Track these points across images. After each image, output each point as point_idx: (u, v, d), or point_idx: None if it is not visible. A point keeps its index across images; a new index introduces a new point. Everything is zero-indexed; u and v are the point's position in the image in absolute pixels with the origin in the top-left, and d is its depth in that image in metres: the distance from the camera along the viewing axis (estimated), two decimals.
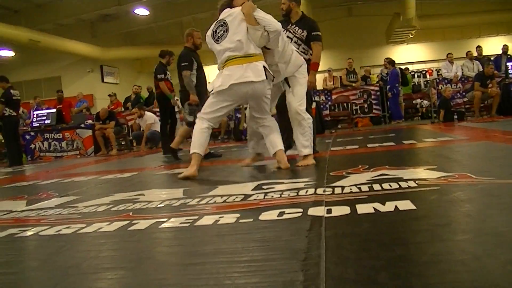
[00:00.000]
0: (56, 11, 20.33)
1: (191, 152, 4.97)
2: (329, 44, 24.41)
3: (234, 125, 14.60)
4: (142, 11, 21.71)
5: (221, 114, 5.10)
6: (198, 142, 4.97)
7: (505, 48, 15.29)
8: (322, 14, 22.87)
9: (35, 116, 15.01)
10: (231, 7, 5.08)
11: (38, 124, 14.79)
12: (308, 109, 5.76)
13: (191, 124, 7.47)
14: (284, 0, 6.13)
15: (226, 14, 5.02)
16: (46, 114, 14.95)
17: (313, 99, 14.27)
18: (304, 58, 5.90)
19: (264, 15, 4.87)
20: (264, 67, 4.81)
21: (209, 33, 5.10)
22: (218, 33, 4.97)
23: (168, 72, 10.22)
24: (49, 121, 14.69)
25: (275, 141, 5.08)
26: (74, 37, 20.97)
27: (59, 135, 14.29)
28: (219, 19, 5.07)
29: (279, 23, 4.94)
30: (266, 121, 5.14)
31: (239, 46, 4.83)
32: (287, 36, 5.87)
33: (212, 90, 4.92)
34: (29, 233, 2.86)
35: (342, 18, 25.19)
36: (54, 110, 15.18)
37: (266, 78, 4.80)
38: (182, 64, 7.81)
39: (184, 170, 4.99)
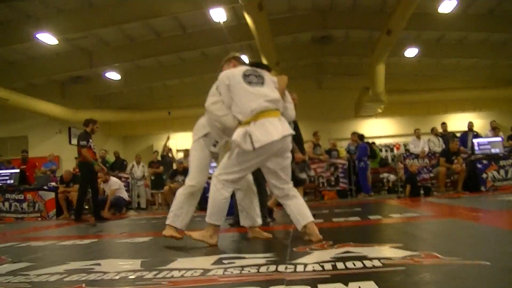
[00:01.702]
0: (28, 70, 20.33)
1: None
2: (297, 116, 24.56)
3: None
4: (113, 75, 21.89)
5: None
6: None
7: (470, 125, 15.63)
8: (291, 85, 22.69)
9: None
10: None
11: (0, 184, 14.46)
12: None
13: (303, 182, 7.79)
14: None
15: (257, 70, 4.85)
16: (9, 174, 14.66)
17: None
18: None
19: (290, 99, 4.96)
20: None
21: (237, 72, 4.73)
22: (252, 79, 4.68)
23: (91, 140, 10.51)
24: (11, 181, 14.39)
25: (305, 212, 4.72)
26: (44, 97, 20.88)
27: (20, 196, 13.98)
28: (249, 68, 4.84)
29: (294, 114, 5.02)
30: (290, 188, 4.83)
31: (277, 100, 4.68)
32: None
33: (252, 144, 4.36)
34: None
35: (311, 90, 25.53)
36: (18, 170, 14.92)
37: None
38: None
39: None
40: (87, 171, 10.62)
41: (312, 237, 4.57)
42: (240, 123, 4.55)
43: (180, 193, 5.04)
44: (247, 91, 4.57)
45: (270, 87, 4.74)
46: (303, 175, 7.72)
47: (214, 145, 5.13)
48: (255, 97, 4.55)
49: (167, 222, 5.00)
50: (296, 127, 7.83)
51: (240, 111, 4.55)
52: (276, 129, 4.46)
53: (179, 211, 4.99)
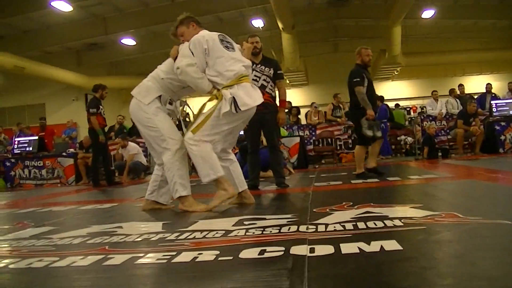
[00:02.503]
0: (43, 38, 20.32)
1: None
2: (314, 79, 24.62)
3: None
4: (129, 41, 21.84)
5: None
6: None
7: (488, 87, 15.41)
8: (308, 49, 23.02)
9: (16, 143, 14.79)
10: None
11: (19, 151, 14.58)
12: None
13: (372, 139, 7.65)
14: (258, 39, 6.44)
15: (225, 36, 4.86)
16: (28, 141, 14.75)
17: (298, 133, 14.32)
18: (272, 95, 6.35)
19: None
20: None
21: (214, 36, 4.73)
22: (226, 44, 4.72)
23: (101, 107, 10.45)
24: (30, 149, 14.50)
25: (243, 179, 4.98)
26: (59, 65, 20.95)
27: (40, 163, 14.10)
28: (220, 34, 4.84)
29: None
30: (231, 154, 4.98)
31: (250, 66, 4.78)
32: (255, 75, 6.05)
33: (237, 107, 4.45)
34: None
35: (328, 54, 25.33)
36: (36, 137, 15.01)
37: None
38: (354, 80, 7.66)
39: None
40: (96, 137, 10.67)
41: (248, 200, 4.92)
42: (215, 87, 4.61)
43: (172, 161, 4.79)
44: (228, 55, 4.63)
45: (239, 54, 4.81)
46: (370, 132, 7.60)
47: (170, 103, 5.07)
48: (235, 61, 4.63)
49: (176, 195, 4.81)
50: (371, 85, 7.78)
51: (219, 75, 4.57)
52: (255, 94, 4.64)
53: (181, 179, 4.78)
